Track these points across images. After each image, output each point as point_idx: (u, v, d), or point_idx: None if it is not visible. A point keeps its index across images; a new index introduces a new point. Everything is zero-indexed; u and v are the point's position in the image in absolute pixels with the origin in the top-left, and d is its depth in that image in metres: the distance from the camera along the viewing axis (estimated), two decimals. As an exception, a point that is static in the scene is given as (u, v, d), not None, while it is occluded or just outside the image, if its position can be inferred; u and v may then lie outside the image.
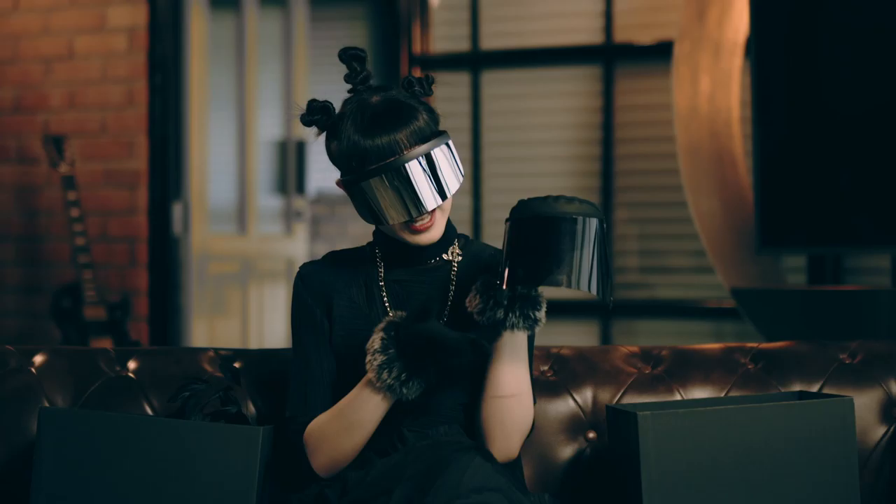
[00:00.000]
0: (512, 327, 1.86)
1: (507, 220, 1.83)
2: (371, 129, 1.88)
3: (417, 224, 1.91)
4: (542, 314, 1.87)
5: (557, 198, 1.78)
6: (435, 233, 1.94)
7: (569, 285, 1.76)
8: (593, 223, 1.78)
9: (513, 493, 1.75)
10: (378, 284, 2.00)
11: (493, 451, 1.91)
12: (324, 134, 1.98)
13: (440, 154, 1.89)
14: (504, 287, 1.81)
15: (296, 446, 1.96)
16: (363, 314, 1.98)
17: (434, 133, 1.91)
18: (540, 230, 1.77)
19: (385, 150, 1.87)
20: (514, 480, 1.84)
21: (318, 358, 1.97)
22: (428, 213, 1.91)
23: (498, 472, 1.77)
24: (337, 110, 1.96)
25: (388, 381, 1.81)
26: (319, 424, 1.92)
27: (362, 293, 2.00)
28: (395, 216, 1.88)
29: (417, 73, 5.20)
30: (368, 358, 1.83)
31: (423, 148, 1.87)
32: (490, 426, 1.92)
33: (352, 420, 1.88)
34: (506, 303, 1.85)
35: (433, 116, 1.94)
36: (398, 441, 1.91)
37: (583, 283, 1.77)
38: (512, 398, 1.91)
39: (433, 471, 1.74)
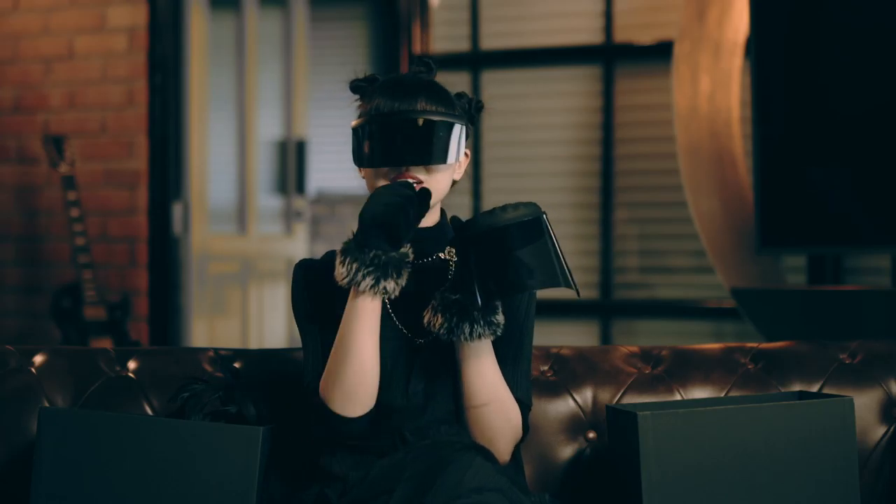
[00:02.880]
0: (479, 336, 1.87)
1: (455, 240, 1.88)
2: (395, 92, 1.94)
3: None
4: (500, 317, 1.88)
5: (504, 208, 1.82)
6: None
7: (542, 286, 1.82)
8: (539, 221, 1.83)
9: (513, 493, 1.74)
10: None
11: None
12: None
13: (445, 127, 1.92)
14: (482, 305, 1.85)
15: (318, 409, 1.93)
16: None
17: (455, 118, 1.95)
18: (500, 242, 1.81)
19: (395, 107, 1.93)
20: (516, 481, 1.84)
21: (327, 329, 1.96)
22: (414, 180, 1.93)
23: (498, 473, 1.76)
24: None
25: (365, 273, 1.82)
26: (327, 366, 1.92)
27: None
28: (367, 161, 1.93)
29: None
30: (339, 271, 1.84)
31: (425, 114, 1.92)
32: (472, 434, 1.93)
33: (349, 342, 1.87)
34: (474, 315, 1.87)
35: (463, 115, 1.99)
36: (399, 442, 1.91)
37: (549, 280, 1.82)
38: (486, 407, 1.91)
39: (433, 470, 1.74)
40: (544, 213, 1.84)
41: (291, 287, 2.03)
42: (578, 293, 1.90)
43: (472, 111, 2.04)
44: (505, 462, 1.94)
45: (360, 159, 1.96)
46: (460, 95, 2.04)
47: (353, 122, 1.98)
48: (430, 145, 1.91)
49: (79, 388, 2.17)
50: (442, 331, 1.86)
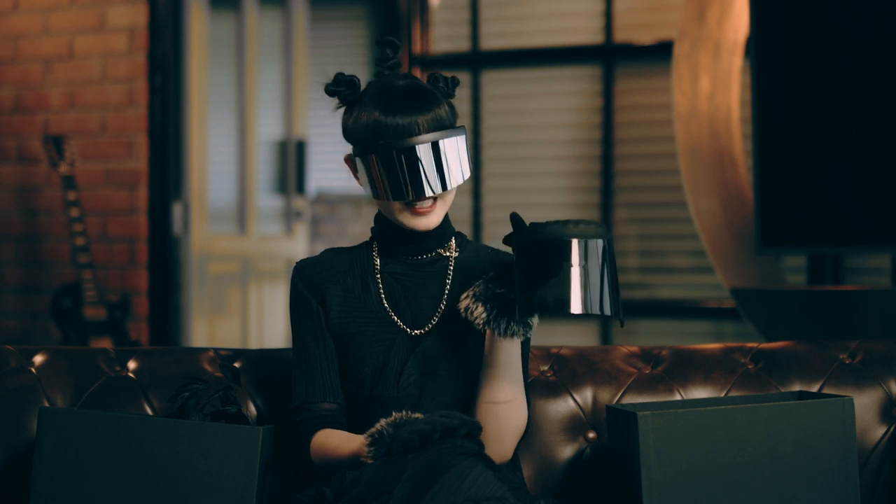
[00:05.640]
0: (512, 335, 1.88)
1: (514, 238, 1.84)
2: (392, 107, 1.91)
3: (418, 206, 1.94)
4: (536, 320, 1.90)
5: (577, 222, 1.80)
6: (433, 220, 1.96)
7: (588, 312, 1.78)
8: (604, 244, 1.81)
9: (511, 503, 1.74)
10: (374, 276, 2.02)
11: (488, 454, 1.91)
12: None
13: (453, 145, 1.92)
14: (526, 313, 1.82)
15: (300, 436, 1.98)
16: (359, 302, 2.00)
17: (452, 125, 1.94)
18: (561, 255, 1.78)
19: (402, 128, 1.90)
20: (514, 482, 1.84)
21: (317, 346, 2.00)
22: (430, 198, 1.93)
23: (499, 481, 1.75)
24: (362, 88, 2.00)
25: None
26: (324, 445, 1.94)
27: (357, 283, 2.02)
28: (395, 194, 1.91)
29: (417, 72, 5.20)
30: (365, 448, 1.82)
31: (438, 135, 1.90)
32: (485, 431, 1.92)
33: (343, 464, 1.91)
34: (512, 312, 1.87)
35: (453, 111, 1.98)
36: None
37: (605, 308, 1.79)
38: (507, 404, 1.92)
39: (432, 473, 1.74)
40: (611, 237, 1.83)
41: (290, 292, 2.06)
42: (623, 324, 1.89)
43: (450, 90, 2.02)
44: (507, 459, 1.95)
45: (381, 191, 1.93)
46: (435, 79, 2.01)
47: (346, 156, 1.98)
48: (445, 170, 1.91)
49: (79, 388, 2.17)
50: (479, 320, 1.88)
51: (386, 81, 1.97)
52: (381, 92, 1.94)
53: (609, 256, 1.81)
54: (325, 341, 2.01)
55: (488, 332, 1.91)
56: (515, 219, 1.87)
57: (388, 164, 1.89)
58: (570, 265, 1.78)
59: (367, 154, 1.91)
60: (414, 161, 1.89)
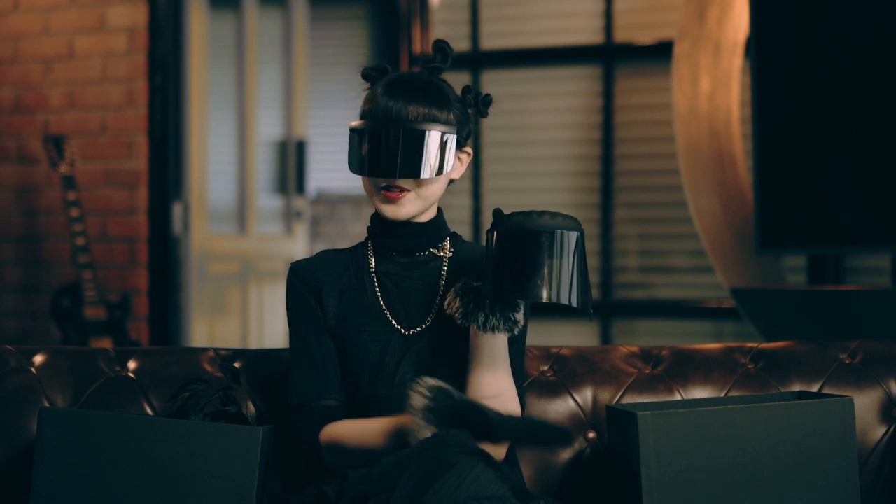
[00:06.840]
0: (493, 329, 1.88)
1: (489, 231, 1.86)
2: (393, 93, 1.94)
3: (388, 192, 1.95)
4: (520, 316, 1.89)
5: (542, 213, 1.81)
6: (402, 210, 1.96)
7: (550, 300, 1.79)
8: (574, 237, 1.81)
9: (513, 502, 1.74)
10: (369, 275, 2.03)
11: None
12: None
13: (432, 139, 1.92)
14: (491, 301, 1.84)
15: (304, 433, 1.97)
16: (355, 302, 2.01)
17: (446, 126, 1.94)
18: (526, 244, 1.80)
19: (389, 110, 1.92)
20: (514, 482, 1.84)
21: (317, 342, 2.00)
22: (400, 187, 1.94)
23: (500, 480, 1.75)
24: None
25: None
26: (341, 437, 1.92)
27: (353, 283, 2.03)
28: (357, 168, 1.94)
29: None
30: (414, 421, 1.77)
31: (419, 124, 1.91)
32: None
33: (373, 451, 1.88)
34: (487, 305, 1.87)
35: (462, 120, 1.99)
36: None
37: (563, 297, 1.79)
38: (493, 399, 1.92)
39: (434, 470, 1.74)
40: (581, 231, 1.83)
41: (286, 293, 2.06)
42: (591, 317, 1.89)
43: (479, 106, 2.05)
44: (500, 458, 1.95)
45: (351, 163, 1.97)
46: (468, 90, 2.04)
47: (351, 123, 1.99)
48: (417, 157, 1.91)
49: (79, 388, 2.17)
50: (458, 315, 1.89)
51: (407, 73, 2.01)
52: (394, 79, 1.98)
53: (579, 250, 1.81)
54: (325, 339, 2.01)
55: (472, 327, 1.92)
56: (496, 213, 1.88)
57: (359, 140, 1.93)
58: (537, 255, 1.79)
59: (352, 129, 1.95)
60: (379, 141, 1.90)
